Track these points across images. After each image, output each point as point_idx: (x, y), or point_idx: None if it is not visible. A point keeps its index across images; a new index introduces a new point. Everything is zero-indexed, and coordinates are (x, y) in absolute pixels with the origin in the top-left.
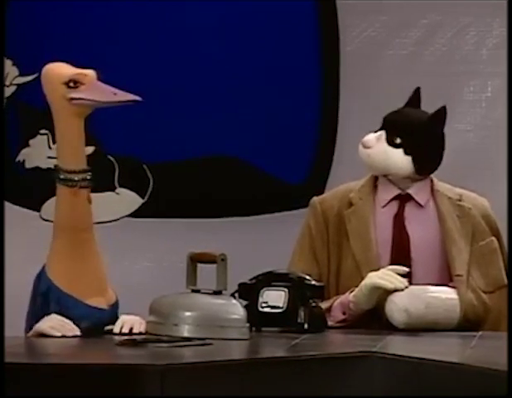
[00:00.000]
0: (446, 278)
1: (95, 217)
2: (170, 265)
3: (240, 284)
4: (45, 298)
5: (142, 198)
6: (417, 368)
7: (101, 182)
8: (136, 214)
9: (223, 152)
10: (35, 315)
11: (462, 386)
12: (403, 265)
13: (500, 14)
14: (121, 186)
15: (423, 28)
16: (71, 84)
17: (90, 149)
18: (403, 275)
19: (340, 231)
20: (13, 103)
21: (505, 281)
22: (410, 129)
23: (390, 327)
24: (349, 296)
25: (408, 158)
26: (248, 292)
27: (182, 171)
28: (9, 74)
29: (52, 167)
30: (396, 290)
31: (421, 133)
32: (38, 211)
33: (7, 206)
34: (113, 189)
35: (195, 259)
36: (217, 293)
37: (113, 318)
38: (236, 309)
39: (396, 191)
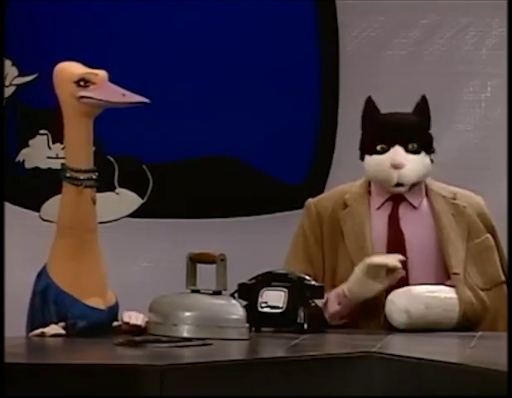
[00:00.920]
0: (443, 276)
1: None
2: (169, 265)
3: (240, 285)
4: (44, 296)
5: (142, 198)
6: (416, 368)
7: (101, 182)
8: (135, 214)
9: (223, 153)
10: (34, 313)
11: (462, 386)
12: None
13: (500, 14)
14: (121, 186)
15: (423, 28)
16: (82, 83)
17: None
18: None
19: (335, 232)
20: (13, 103)
21: (502, 278)
22: (420, 130)
23: (390, 328)
24: (344, 285)
25: (428, 158)
26: (248, 292)
27: (182, 171)
28: (8, 74)
29: (52, 167)
30: (392, 289)
31: (425, 130)
32: (38, 211)
33: (7, 206)
34: (112, 189)
35: (194, 260)
36: (217, 293)
37: (112, 319)
38: (236, 309)
39: (390, 193)
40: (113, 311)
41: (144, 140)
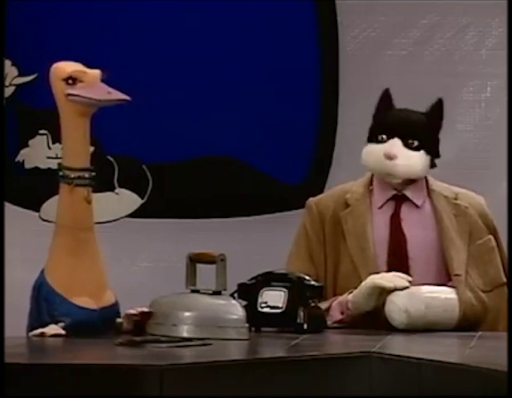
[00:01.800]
0: (444, 277)
1: (95, 217)
2: (169, 265)
3: (240, 285)
4: (38, 294)
5: (142, 198)
6: (416, 368)
7: (100, 182)
8: (135, 214)
9: (222, 153)
10: (31, 310)
11: (462, 386)
12: (401, 265)
13: (500, 14)
14: (120, 186)
15: (423, 28)
16: (70, 81)
17: (90, 149)
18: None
19: (336, 232)
20: (12, 103)
21: (503, 279)
22: (425, 130)
23: (390, 328)
24: (348, 296)
25: (428, 158)
26: (248, 292)
27: (182, 171)
28: (8, 74)
29: (51, 167)
30: (395, 290)
31: (432, 131)
32: (37, 211)
33: (7, 206)
34: (112, 189)
35: (194, 260)
36: (216, 293)
37: (107, 320)
38: (235, 309)
39: (392, 192)
40: (110, 311)
41: (144, 140)
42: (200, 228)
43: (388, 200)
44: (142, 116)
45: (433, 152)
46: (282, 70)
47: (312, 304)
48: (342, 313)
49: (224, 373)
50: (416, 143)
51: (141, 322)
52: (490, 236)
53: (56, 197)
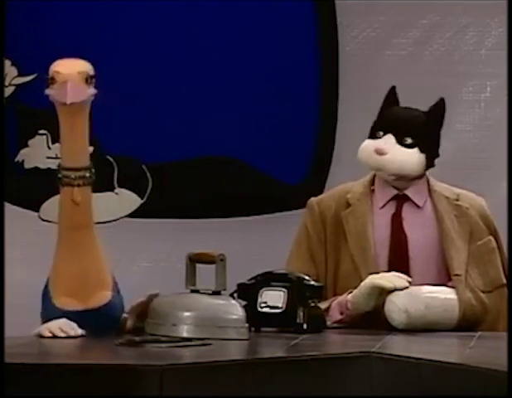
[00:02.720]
0: (445, 277)
1: (94, 217)
2: (169, 265)
3: (239, 285)
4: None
5: (142, 198)
6: (416, 368)
7: (100, 182)
8: (135, 214)
9: (222, 153)
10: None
11: (462, 386)
12: (401, 265)
13: (499, 14)
14: (120, 186)
15: (422, 28)
16: (50, 81)
17: (89, 149)
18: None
19: (337, 232)
20: (12, 103)
21: (504, 280)
22: (421, 128)
23: (389, 328)
24: (347, 296)
25: (422, 156)
26: (247, 292)
27: (181, 171)
28: (8, 74)
29: (51, 167)
30: (395, 290)
31: (431, 130)
32: (37, 211)
33: (6, 206)
34: (112, 189)
35: (194, 260)
36: (216, 293)
37: (97, 321)
38: (235, 309)
39: (393, 192)
40: (100, 311)
41: (143, 140)
42: (200, 228)
43: (389, 200)
44: (142, 116)
45: (430, 151)
46: (282, 70)
47: (312, 304)
48: (342, 313)
49: (223, 373)
50: (409, 141)
51: (130, 331)
52: (491, 237)
53: (56, 197)
